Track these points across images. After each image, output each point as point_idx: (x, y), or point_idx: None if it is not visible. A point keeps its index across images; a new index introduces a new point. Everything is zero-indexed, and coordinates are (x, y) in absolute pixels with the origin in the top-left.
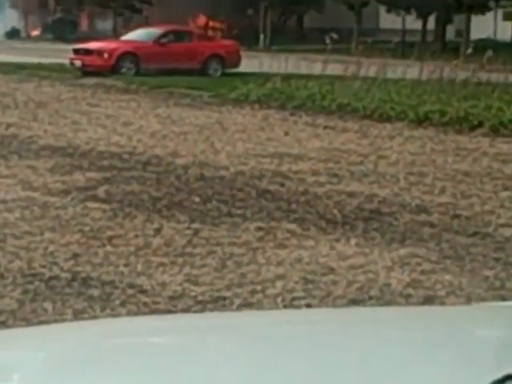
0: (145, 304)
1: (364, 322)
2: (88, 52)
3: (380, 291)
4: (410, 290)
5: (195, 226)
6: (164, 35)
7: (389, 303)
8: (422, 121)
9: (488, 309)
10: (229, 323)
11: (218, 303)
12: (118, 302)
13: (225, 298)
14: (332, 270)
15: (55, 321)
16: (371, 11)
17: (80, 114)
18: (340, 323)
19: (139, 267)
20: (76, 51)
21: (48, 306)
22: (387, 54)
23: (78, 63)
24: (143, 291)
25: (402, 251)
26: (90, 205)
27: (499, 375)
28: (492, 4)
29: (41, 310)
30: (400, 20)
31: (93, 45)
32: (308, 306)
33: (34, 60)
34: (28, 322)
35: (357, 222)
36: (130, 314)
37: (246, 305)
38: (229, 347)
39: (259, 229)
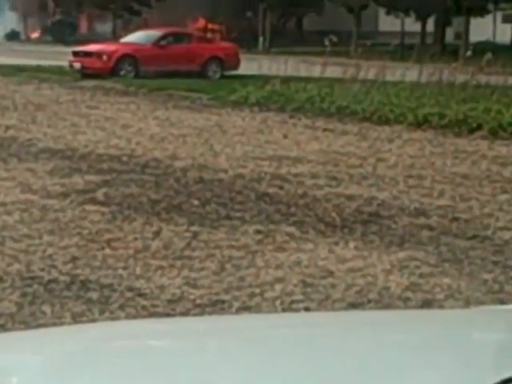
0: (143, 307)
1: (363, 326)
2: (87, 54)
3: (379, 294)
4: (409, 294)
5: (194, 228)
6: (163, 37)
7: (387, 307)
8: (420, 123)
9: (487, 312)
10: (227, 326)
11: (216, 306)
12: (116, 305)
13: (223, 302)
14: (331, 273)
15: (54, 324)
16: (370, 14)
17: (79, 117)
18: (339, 326)
19: (138, 270)
20: (75, 53)
21: (47, 309)
22: (386, 56)
23: (77, 65)
24: (142, 294)
25: (401, 254)
26: (89, 208)
27: (498, 379)
28: (491, 6)
29: (39, 313)
30: (399, 22)
31: (92, 47)
32: (307, 309)
33: (34, 62)
34: (27, 326)
35: (355, 225)
36: (128, 317)
37: (245, 308)
38: (228, 350)
39: (258, 232)
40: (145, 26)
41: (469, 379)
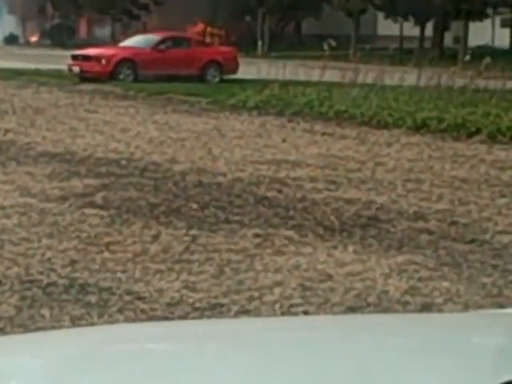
0: (142, 311)
1: (362, 329)
2: (86, 58)
3: (378, 298)
4: (408, 297)
5: (193, 232)
6: (162, 41)
7: (386, 310)
8: (419, 127)
9: (486, 316)
10: (226, 330)
11: (215, 310)
12: (115, 308)
13: (222, 305)
14: (330, 277)
15: (52, 327)
16: (369, 18)
17: (78, 120)
18: (338, 330)
19: (137, 274)
20: (74, 57)
21: (45, 312)
22: (385, 60)
23: (76, 69)
24: (141, 298)
25: (400, 258)
26: (88, 211)
27: (497, 382)
28: (490, 11)
29: (38, 316)
30: (398, 27)
31: (91, 51)
32: (305, 313)
33: (32, 66)
34: (25, 329)
35: (354, 229)
36: (127, 320)
37: (244, 312)
38: (226, 354)
39: (257, 235)
40: (144, 30)
41: (468, 383)
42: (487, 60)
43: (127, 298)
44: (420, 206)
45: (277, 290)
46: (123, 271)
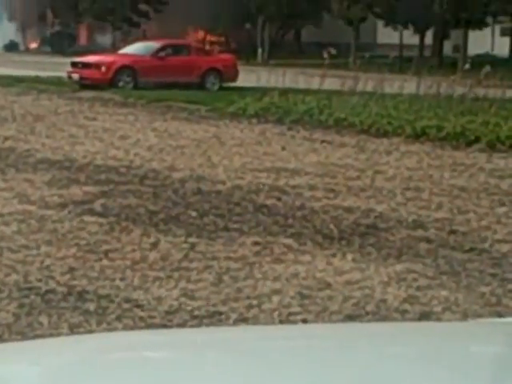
0: (141, 318)
1: (360, 338)
2: (86, 65)
3: (376, 307)
4: (407, 306)
5: (192, 240)
6: (162, 49)
7: (385, 319)
8: (419, 136)
9: (484, 325)
10: (225, 338)
11: (214, 318)
12: (113, 316)
13: (221, 313)
14: (328, 286)
15: (51, 335)
16: (369, 26)
17: (77, 128)
18: (336, 339)
19: (135, 281)
20: (74, 64)
21: (44, 319)
22: (385, 68)
23: (75, 76)
24: (139, 305)
25: (399, 267)
26: (87, 218)
27: None
28: (489, 20)
29: (36, 323)
30: (397, 35)
31: (91, 58)
32: (304, 321)
33: (32, 73)
34: (23, 336)
35: (353, 237)
36: (125, 328)
37: (242, 320)
38: (225, 362)
39: (256, 243)
40: (143, 37)
41: None
42: (487, 68)
43: (126, 305)
44: (419, 214)
45: (275, 298)
46: (122, 279)
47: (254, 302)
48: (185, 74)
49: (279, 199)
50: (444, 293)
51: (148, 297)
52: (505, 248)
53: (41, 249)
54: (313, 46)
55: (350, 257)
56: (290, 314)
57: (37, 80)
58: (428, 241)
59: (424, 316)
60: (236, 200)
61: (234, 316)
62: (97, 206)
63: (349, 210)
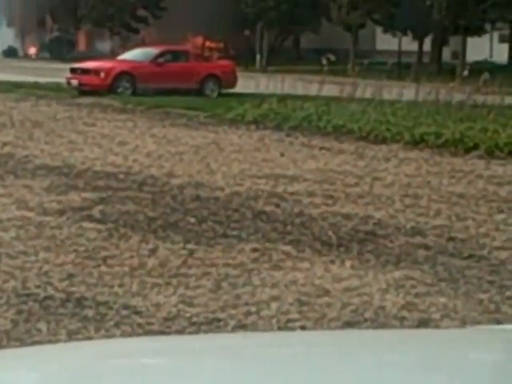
0: (139, 325)
1: (359, 345)
2: (85, 71)
3: (375, 314)
4: (405, 313)
5: (190, 246)
6: (161, 55)
7: (383, 326)
8: (417, 142)
9: (483, 332)
10: (223, 345)
11: (212, 325)
12: (112, 322)
13: (219, 320)
14: (327, 292)
15: (49, 341)
16: (368, 32)
17: (76, 134)
18: (334, 345)
19: (134, 288)
20: (73, 70)
21: (42, 326)
22: (383, 75)
23: (74, 82)
24: (137, 312)
25: (397, 273)
26: (86, 225)
27: None
28: (488, 26)
29: (35, 330)
30: (396, 41)
31: (89, 64)
32: (302, 328)
33: (31, 79)
34: (22, 343)
35: (352, 244)
36: (124, 335)
37: (241, 326)
38: (223, 369)
39: (254, 250)
40: (142, 43)
41: None
42: (485, 75)
43: (124, 312)
44: (417, 221)
45: (274, 305)
46: (120, 285)
47: (253, 309)
48: (184, 80)
49: (278, 206)
50: (442, 300)
51: (146, 303)
52: (503, 255)
53: (39, 255)
54: (311, 53)
55: (348, 263)
56: (288, 320)
57: (36, 86)
58: (426, 248)
59: (422, 323)
60: (234, 206)
61: (232, 323)
62: (95, 212)
63: (347, 216)
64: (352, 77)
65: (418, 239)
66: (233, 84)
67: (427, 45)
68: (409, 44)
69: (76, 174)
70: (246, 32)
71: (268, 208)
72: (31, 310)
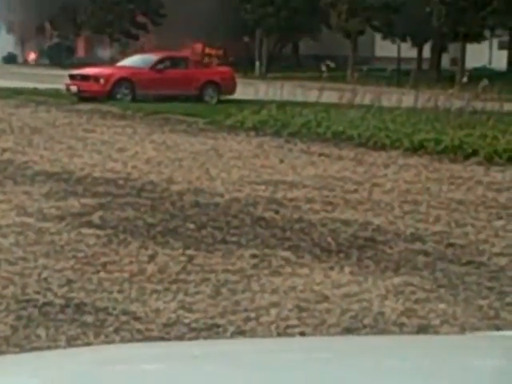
0: (138, 331)
1: (358, 351)
2: (84, 78)
3: (374, 320)
4: (404, 319)
5: (189, 252)
6: (160, 61)
7: (382, 332)
8: (416, 149)
9: (482, 338)
10: (222, 351)
11: (211, 331)
12: (111, 328)
13: (219, 326)
14: (326, 298)
15: (49, 347)
16: (367, 39)
17: (75, 140)
18: (334, 352)
19: (133, 294)
20: (72, 77)
21: (41, 332)
22: (382, 81)
23: (73, 89)
24: (137, 318)
25: (396, 280)
26: (85, 231)
27: None
28: (487, 33)
29: (34, 336)
30: (395, 48)
31: (89, 70)
32: (302, 334)
33: (31, 85)
34: (21, 349)
35: (351, 250)
36: (123, 340)
37: (240, 332)
38: (223, 375)
39: (254, 256)
40: (142, 49)
41: None
42: (484, 82)
43: (123, 318)
44: (417, 227)
45: (273, 311)
46: (120, 291)
47: (252, 315)
48: (183, 86)
49: (277, 212)
50: (442, 306)
51: (146, 309)
52: (502, 261)
53: (38, 261)
54: (311, 59)
55: (347, 270)
56: (287, 326)
57: (35, 92)
58: (426, 254)
59: (422, 329)
60: (234, 213)
61: (231, 329)
62: (95, 218)
63: (347, 222)
64: (351, 83)
65: (417, 245)
66: (232, 90)
67: (426, 51)
68: (408, 51)
69: (75, 180)
70: (246, 39)
71: (267, 214)
72: (30, 315)
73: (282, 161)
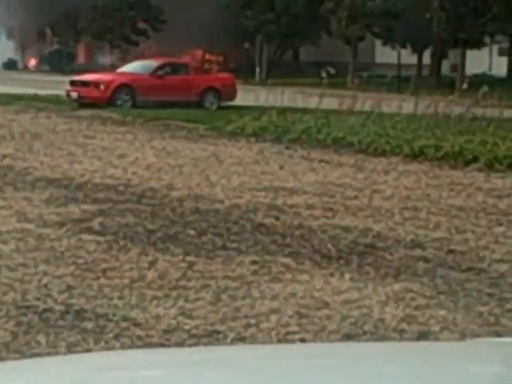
0: (138, 337)
1: (358, 357)
2: (84, 84)
3: (374, 326)
4: (404, 325)
5: (190, 259)
6: (160, 68)
7: (383, 338)
8: (417, 155)
9: (482, 345)
10: (223, 357)
11: (212, 337)
12: (111, 335)
13: (219, 332)
14: (326, 305)
15: (49, 353)
16: (367, 45)
17: (76, 146)
18: (334, 358)
19: (133, 300)
20: (72, 83)
21: (41, 338)
22: (383, 88)
23: (74, 95)
24: (137, 324)
25: (397, 286)
26: (85, 237)
27: None
28: (487, 40)
29: (34, 342)
30: (395, 54)
31: (89, 77)
32: (302, 340)
33: (31, 91)
34: (21, 355)
35: (351, 257)
36: (123, 347)
37: (240, 339)
38: (223, 381)
39: (254, 262)
40: (142, 56)
41: None
42: (485, 88)
43: (123, 324)
44: (417, 233)
45: (273, 318)
46: (120, 297)
47: (252, 321)
48: (183, 92)
49: (277, 218)
50: (442, 312)
51: (146, 315)
52: (503, 268)
53: (39, 267)
54: (311, 66)
55: (347, 276)
56: (287, 333)
57: (35, 98)
58: (426, 260)
59: (422, 335)
60: (234, 219)
61: (231, 335)
62: (95, 224)
63: (347, 229)
64: (351, 90)
65: (417, 252)
66: (232, 97)
67: (426, 58)
68: (408, 57)
69: (75, 186)
70: (246, 45)
71: (267, 220)
72: (31, 322)
73: (282, 167)
